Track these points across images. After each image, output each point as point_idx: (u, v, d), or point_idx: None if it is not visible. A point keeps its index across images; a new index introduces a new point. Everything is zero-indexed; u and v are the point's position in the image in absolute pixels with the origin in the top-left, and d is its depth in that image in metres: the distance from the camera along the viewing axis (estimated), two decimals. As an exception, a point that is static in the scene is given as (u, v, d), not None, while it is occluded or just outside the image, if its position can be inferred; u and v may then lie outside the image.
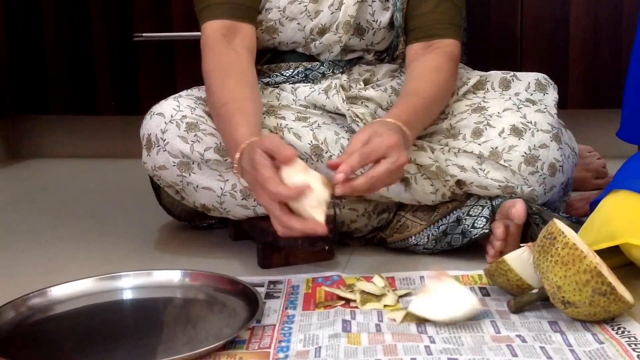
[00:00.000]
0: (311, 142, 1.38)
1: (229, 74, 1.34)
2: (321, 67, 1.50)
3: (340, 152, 1.37)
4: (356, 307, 1.15)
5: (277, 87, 1.50)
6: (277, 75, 1.51)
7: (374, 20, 1.48)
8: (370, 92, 1.46)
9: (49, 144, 2.61)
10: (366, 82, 1.51)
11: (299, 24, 1.46)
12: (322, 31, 1.46)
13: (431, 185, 1.39)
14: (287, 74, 1.50)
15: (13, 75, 2.43)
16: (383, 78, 1.53)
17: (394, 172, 1.18)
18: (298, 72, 1.50)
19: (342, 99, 1.42)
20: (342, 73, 1.50)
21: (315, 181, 1.12)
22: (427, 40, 1.45)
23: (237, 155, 1.20)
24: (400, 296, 1.19)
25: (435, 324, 1.08)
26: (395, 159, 1.17)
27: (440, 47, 1.44)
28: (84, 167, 2.44)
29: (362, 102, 1.46)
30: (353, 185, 1.14)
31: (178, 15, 2.32)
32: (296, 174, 1.12)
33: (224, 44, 1.38)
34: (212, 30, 1.40)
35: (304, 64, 1.50)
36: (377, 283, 1.21)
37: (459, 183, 1.38)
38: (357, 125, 1.38)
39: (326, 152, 1.38)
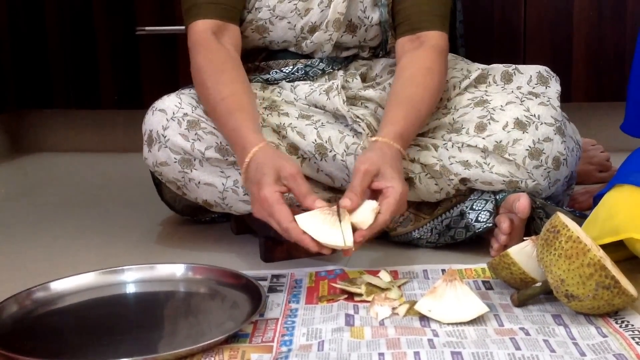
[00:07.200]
0: (315, 140, 1.37)
1: (222, 69, 1.34)
2: (320, 63, 1.49)
3: (345, 151, 1.36)
4: (361, 301, 1.15)
5: (277, 84, 1.50)
6: (276, 72, 1.50)
7: (365, 17, 1.47)
8: (369, 92, 1.46)
9: (52, 138, 2.61)
10: (363, 77, 1.50)
11: (289, 22, 1.45)
12: (313, 29, 1.45)
13: (435, 184, 1.38)
14: (287, 71, 1.50)
15: (16, 69, 2.43)
16: (382, 73, 1.52)
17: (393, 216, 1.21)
18: (297, 69, 1.49)
19: (343, 100, 1.41)
20: (339, 69, 1.50)
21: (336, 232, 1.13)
22: (412, 34, 1.43)
23: (246, 161, 1.21)
24: (399, 285, 1.20)
25: (438, 317, 1.08)
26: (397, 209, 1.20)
27: (426, 41, 1.42)
28: (86, 161, 2.45)
29: (361, 103, 1.46)
30: (362, 241, 1.17)
31: (181, 9, 2.30)
32: (318, 223, 1.14)
33: (215, 41, 1.38)
34: (203, 29, 1.39)
35: (302, 61, 1.50)
36: (383, 277, 1.21)
37: (463, 180, 1.37)
38: (359, 125, 1.38)
39: (330, 151, 1.37)
